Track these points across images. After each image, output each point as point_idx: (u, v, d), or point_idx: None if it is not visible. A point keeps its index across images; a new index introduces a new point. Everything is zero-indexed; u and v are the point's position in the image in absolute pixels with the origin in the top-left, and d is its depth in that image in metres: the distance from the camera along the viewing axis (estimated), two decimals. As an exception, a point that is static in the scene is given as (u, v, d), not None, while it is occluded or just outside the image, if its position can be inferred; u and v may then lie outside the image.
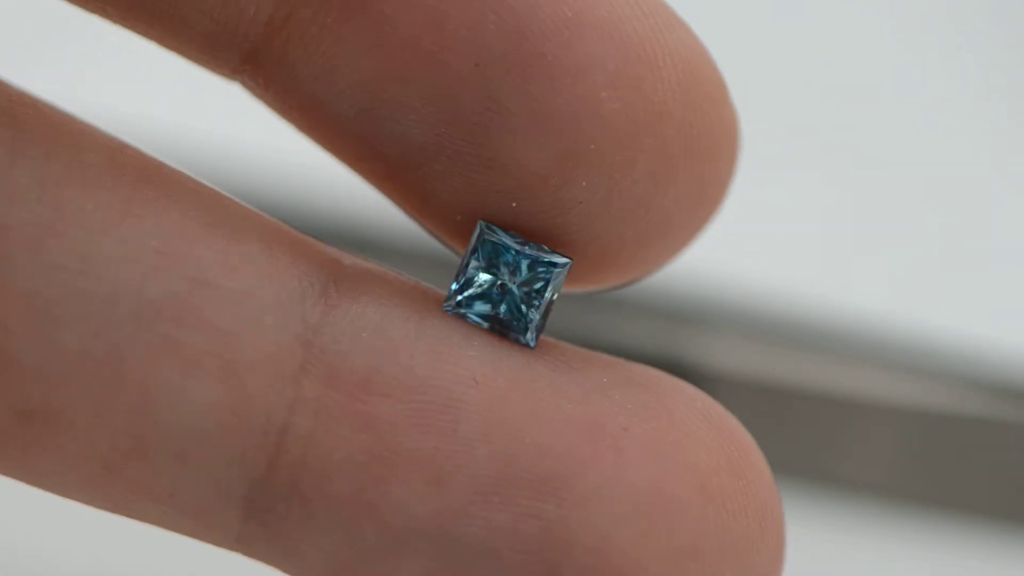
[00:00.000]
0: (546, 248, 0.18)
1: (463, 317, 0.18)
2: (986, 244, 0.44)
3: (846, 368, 0.38)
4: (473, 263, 0.18)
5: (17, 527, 0.33)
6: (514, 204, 0.18)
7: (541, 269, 0.18)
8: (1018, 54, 0.49)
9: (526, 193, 0.18)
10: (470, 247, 0.18)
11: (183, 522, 0.18)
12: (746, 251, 0.39)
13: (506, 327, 0.18)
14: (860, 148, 0.46)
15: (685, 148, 0.18)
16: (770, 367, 0.38)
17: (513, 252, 0.18)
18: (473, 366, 0.17)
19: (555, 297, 0.18)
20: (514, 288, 0.18)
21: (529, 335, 0.18)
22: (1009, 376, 0.39)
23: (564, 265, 0.18)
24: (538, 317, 0.18)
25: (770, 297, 0.39)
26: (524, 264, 0.18)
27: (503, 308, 0.18)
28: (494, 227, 0.18)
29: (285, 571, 0.18)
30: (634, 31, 0.17)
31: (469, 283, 0.18)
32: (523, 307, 0.18)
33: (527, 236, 0.18)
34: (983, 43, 0.49)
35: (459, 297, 0.18)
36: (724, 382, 0.37)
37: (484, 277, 0.18)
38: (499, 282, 0.18)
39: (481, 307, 0.18)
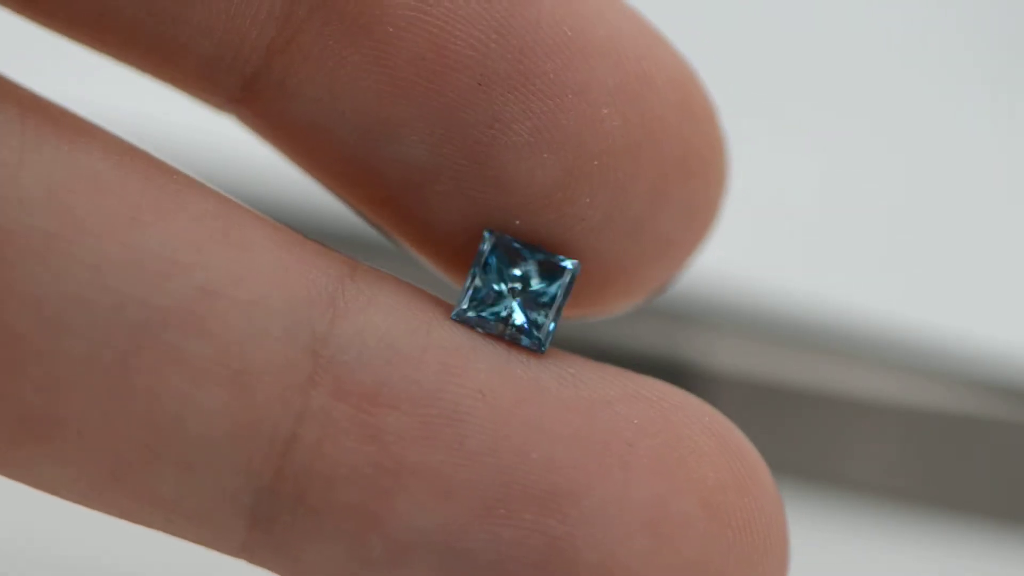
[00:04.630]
0: (554, 254, 0.18)
1: (472, 326, 0.18)
2: (986, 244, 0.44)
3: (846, 368, 0.38)
4: (482, 270, 0.18)
5: (17, 527, 0.33)
6: (517, 222, 0.18)
7: (550, 274, 0.18)
8: (1017, 52, 0.49)
9: (529, 210, 0.18)
10: (479, 254, 0.18)
11: (188, 529, 0.18)
12: (746, 251, 0.39)
13: (516, 334, 0.18)
14: (860, 149, 0.46)
15: (682, 164, 0.18)
16: (770, 367, 0.38)
17: (522, 258, 0.18)
18: (480, 379, 0.18)
19: (565, 303, 0.18)
20: (524, 294, 0.18)
21: (539, 341, 0.18)
22: (1009, 376, 0.39)
23: (574, 269, 0.18)
24: (548, 322, 0.18)
25: (770, 297, 0.39)
26: (533, 270, 0.18)
27: (512, 315, 0.18)
28: (503, 234, 0.18)
29: (291, 580, 0.18)
30: (631, 49, 0.18)
31: (478, 290, 0.18)
32: (533, 313, 0.18)
33: None
34: (981, 42, 0.49)
35: (468, 305, 0.18)
36: (724, 382, 0.37)
37: (493, 284, 0.18)
38: (509, 288, 0.18)
39: (490, 314, 0.18)
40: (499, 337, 0.18)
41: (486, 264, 0.18)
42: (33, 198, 0.17)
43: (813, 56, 0.47)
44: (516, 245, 0.18)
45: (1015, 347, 0.39)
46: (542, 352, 0.18)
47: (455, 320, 0.18)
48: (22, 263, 0.16)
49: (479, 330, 0.18)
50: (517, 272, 0.18)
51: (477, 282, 0.18)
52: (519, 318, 0.18)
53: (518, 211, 0.18)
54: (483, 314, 0.18)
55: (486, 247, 0.18)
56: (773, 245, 0.42)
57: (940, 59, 0.48)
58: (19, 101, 0.17)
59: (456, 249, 0.18)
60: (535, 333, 0.18)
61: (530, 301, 0.18)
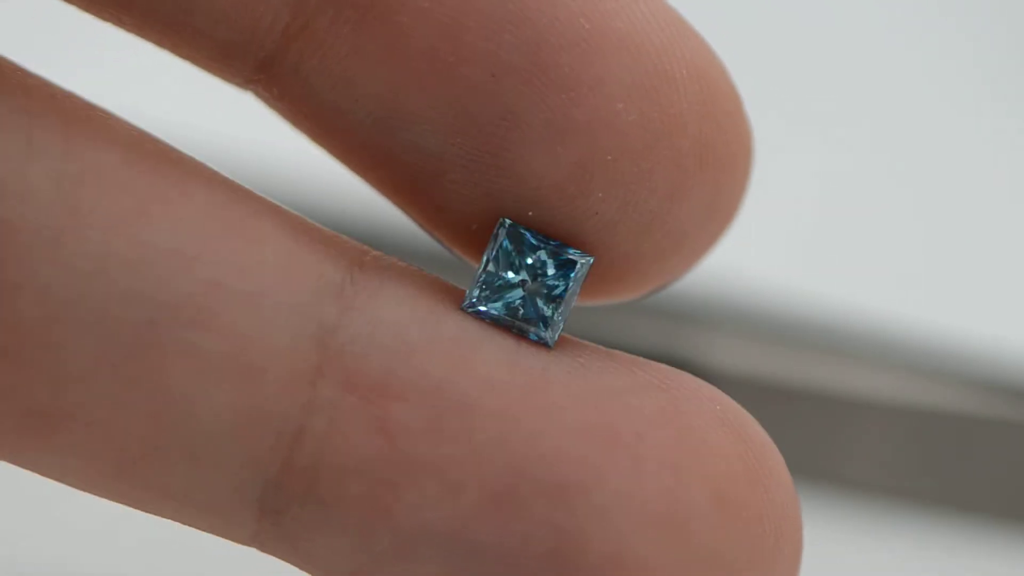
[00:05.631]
0: (567, 247, 0.18)
1: (481, 316, 0.18)
2: (986, 244, 0.44)
3: (846, 368, 0.38)
4: (494, 261, 0.18)
5: (20, 527, 0.33)
6: (530, 214, 0.18)
7: (562, 268, 0.18)
8: (1019, 53, 0.49)
9: (542, 203, 0.18)
10: (491, 244, 0.18)
11: (198, 519, 0.18)
12: (747, 251, 0.39)
13: (525, 326, 0.18)
14: (861, 148, 0.46)
15: (700, 161, 0.18)
16: (770, 367, 0.38)
17: (534, 250, 0.18)
18: (489, 371, 0.17)
19: (575, 297, 0.18)
20: (534, 286, 0.18)
21: (548, 334, 0.18)
22: (1009, 376, 0.39)
23: (585, 263, 0.18)
24: (558, 316, 0.18)
25: (770, 297, 0.39)
26: (545, 262, 0.18)
27: (522, 307, 0.18)
28: (516, 224, 0.18)
29: (302, 569, 0.18)
30: (651, 43, 0.17)
31: (489, 281, 0.18)
32: (543, 306, 0.18)
33: None
34: (984, 43, 0.49)
35: (478, 295, 0.18)
36: (724, 381, 0.37)
37: (505, 275, 0.18)
38: (520, 280, 0.18)
39: (500, 305, 0.18)
40: (507, 329, 0.18)
41: (498, 254, 0.18)
42: (40, 192, 0.16)
43: (813, 55, 0.47)
44: (529, 236, 0.18)
45: (1015, 347, 0.40)
46: (549, 347, 0.18)
47: (464, 310, 0.18)
48: (29, 257, 0.16)
49: (488, 320, 0.18)
50: (529, 263, 0.18)
51: (488, 272, 0.18)
52: (528, 311, 0.18)
53: (530, 204, 0.18)
54: (492, 305, 0.18)
55: (499, 236, 0.18)
56: (773, 245, 0.42)
57: (939, 59, 0.48)
58: (28, 93, 0.17)
59: (471, 234, 0.18)
60: (543, 327, 0.18)
61: (541, 294, 0.18)
